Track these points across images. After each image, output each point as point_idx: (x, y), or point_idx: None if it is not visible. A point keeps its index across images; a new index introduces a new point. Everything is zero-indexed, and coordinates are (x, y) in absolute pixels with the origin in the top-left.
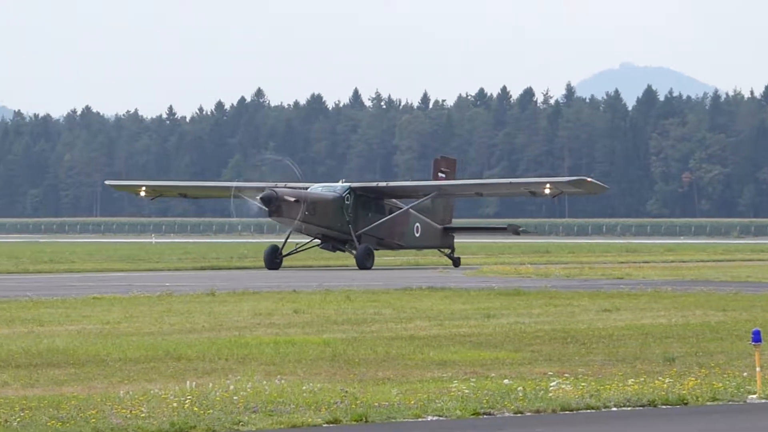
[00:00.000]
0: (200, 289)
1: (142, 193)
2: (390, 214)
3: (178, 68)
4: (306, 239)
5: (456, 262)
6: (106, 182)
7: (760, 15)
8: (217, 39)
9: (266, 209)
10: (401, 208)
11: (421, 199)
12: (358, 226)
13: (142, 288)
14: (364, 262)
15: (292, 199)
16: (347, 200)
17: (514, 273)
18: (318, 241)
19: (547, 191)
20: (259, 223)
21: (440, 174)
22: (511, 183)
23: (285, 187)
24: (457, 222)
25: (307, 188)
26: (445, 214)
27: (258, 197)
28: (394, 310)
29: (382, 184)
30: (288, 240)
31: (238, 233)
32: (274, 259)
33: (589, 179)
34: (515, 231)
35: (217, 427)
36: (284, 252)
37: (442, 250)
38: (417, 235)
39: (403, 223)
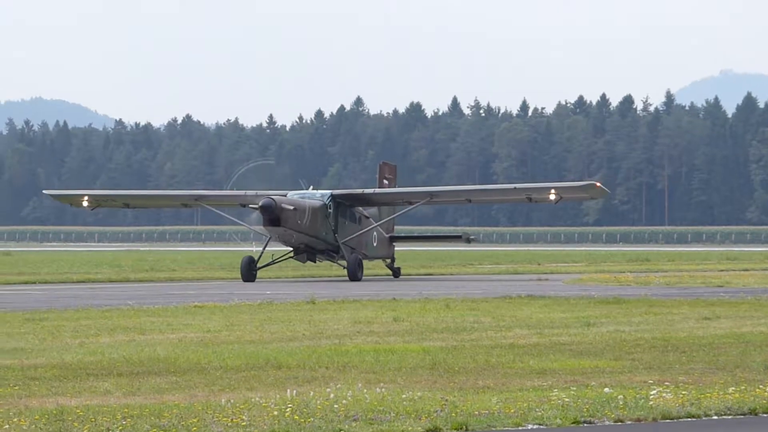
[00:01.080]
0: (300, 297)
1: (85, 203)
2: (360, 223)
3: (278, 78)
4: (281, 249)
5: (396, 273)
6: (45, 192)
7: None
8: (316, 48)
9: (263, 217)
10: (367, 217)
11: (412, 206)
12: (340, 236)
13: (243, 296)
14: (356, 273)
15: (291, 208)
16: (329, 208)
17: (614, 281)
18: (288, 250)
19: (552, 197)
20: None
21: (384, 180)
22: (515, 188)
23: (256, 195)
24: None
25: (285, 195)
26: (389, 223)
27: (252, 205)
28: (494, 318)
29: (369, 190)
30: (264, 251)
31: None
32: (250, 270)
33: (598, 184)
34: (467, 239)
35: None
36: (260, 264)
37: (385, 259)
38: (374, 245)
39: (368, 233)
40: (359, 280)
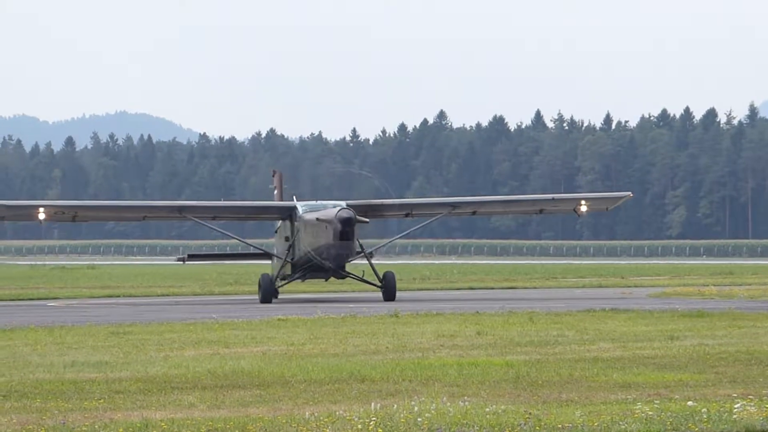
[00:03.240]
0: (383, 311)
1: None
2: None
3: (361, 91)
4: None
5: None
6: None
7: None
8: (398, 62)
9: (336, 231)
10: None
11: (433, 218)
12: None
13: (327, 309)
14: (394, 292)
15: (366, 221)
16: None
17: (698, 295)
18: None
19: (584, 208)
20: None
21: (276, 190)
22: (534, 200)
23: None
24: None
25: (294, 206)
26: None
27: (322, 216)
28: (577, 332)
29: (388, 202)
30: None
31: None
32: (272, 288)
33: (630, 194)
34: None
35: None
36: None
37: None
38: None
39: None
40: (393, 300)
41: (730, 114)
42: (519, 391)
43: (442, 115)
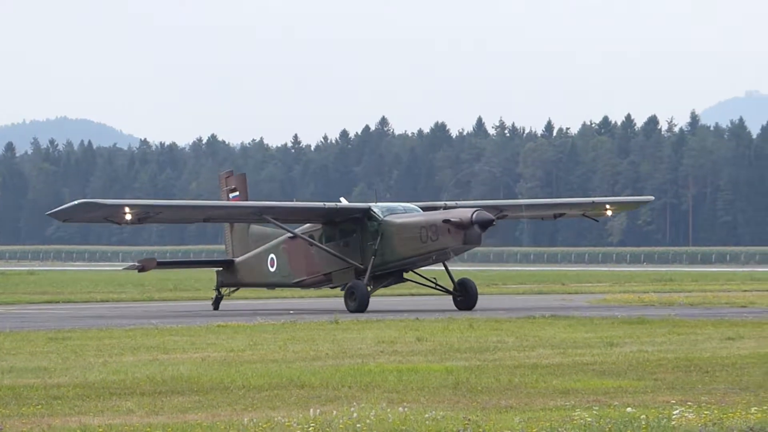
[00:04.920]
0: (324, 317)
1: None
2: None
3: (302, 97)
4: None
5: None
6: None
7: None
8: (341, 68)
9: (473, 234)
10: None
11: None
12: None
13: (267, 316)
14: (474, 301)
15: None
16: None
17: (638, 301)
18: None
19: (609, 213)
20: None
21: (233, 193)
22: (593, 203)
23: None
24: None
25: (369, 207)
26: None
27: (454, 218)
28: (517, 338)
29: (451, 202)
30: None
31: None
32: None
33: (652, 198)
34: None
35: None
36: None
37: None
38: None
39: None
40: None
41: (671, 121)
42: (458, 397)
43: (384, 121)
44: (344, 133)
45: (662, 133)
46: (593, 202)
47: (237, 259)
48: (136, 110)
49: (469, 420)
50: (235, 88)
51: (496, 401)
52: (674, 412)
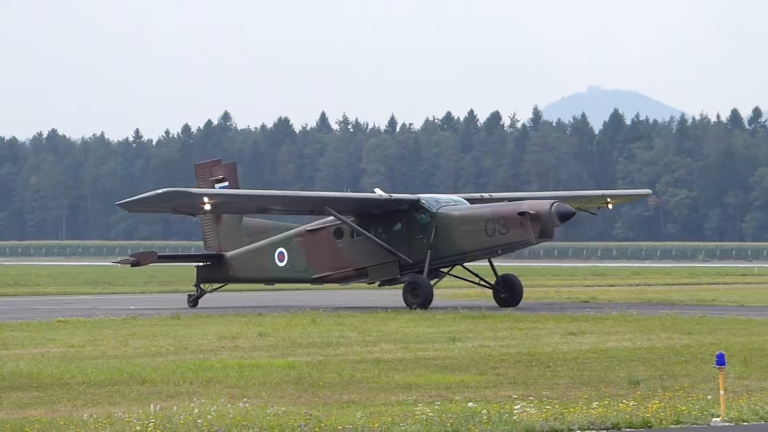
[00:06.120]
0: (165, 313)
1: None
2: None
3: (145, 92)
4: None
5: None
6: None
7: (727, 40)
8: (183, 62)
9: (558, 225)
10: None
11: None
12: None
13: (107, 311)
14: (519, 297)
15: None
16: None
17: (482, 296)
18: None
19: (610, 206)
20: None
21: (220, 184)
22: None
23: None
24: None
25: (418, 199)
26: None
27: (531, 210)
28: (360, 333)
29: (486, 195)
30: None
31: None
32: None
33: (650, 192)
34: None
35: None
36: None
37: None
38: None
39: None
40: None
41: (514, 117)
42: (300, 393)
43: (226, 116)
44: (186, 128)
45: (505, 128)
46: (604, 194)
47: (228, 254)
48: None
49: (311, 415)
50: (76, 83)
51: (338, 396)
52: (516, 407)
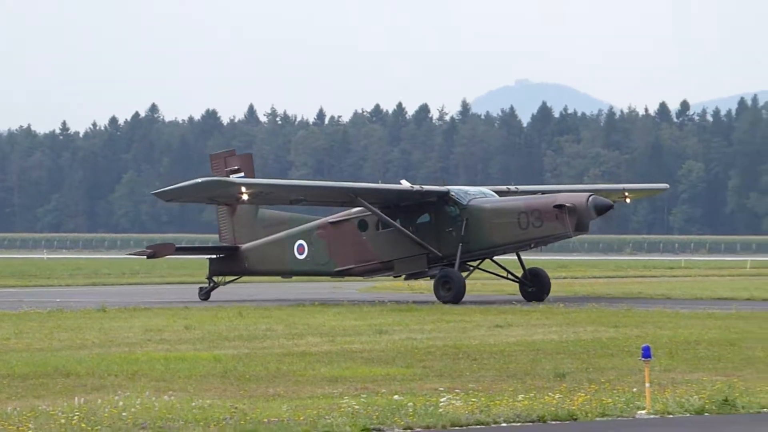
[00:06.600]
0: (91, 305)
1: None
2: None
3: (70, 83)
4: None
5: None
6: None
7: (655, 34)
8: (110, 54)
9: (594, 218)
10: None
11: None
12: None
13: (33, 304)
14: (547, 291)
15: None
16: None
17: (408, 289)
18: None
19: (628, 200)
20: None
21: (235, 174)
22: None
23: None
24: None
25: (448, 191)
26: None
27: (568, 203)
28: (286, 326)
29: (513, 187)
30: None
31: None
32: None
33: (667, 186)
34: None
35: None
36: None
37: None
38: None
39: None
40: None
41: (442, 110)
42: (226, 386)
43: (154, 108)
44: (113, 120)
45: (433, 121)
46: (623, 189)
47: (244, 246)
48: None
49: (236, 408)
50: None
51: (263, 389)
52: (442, 400)
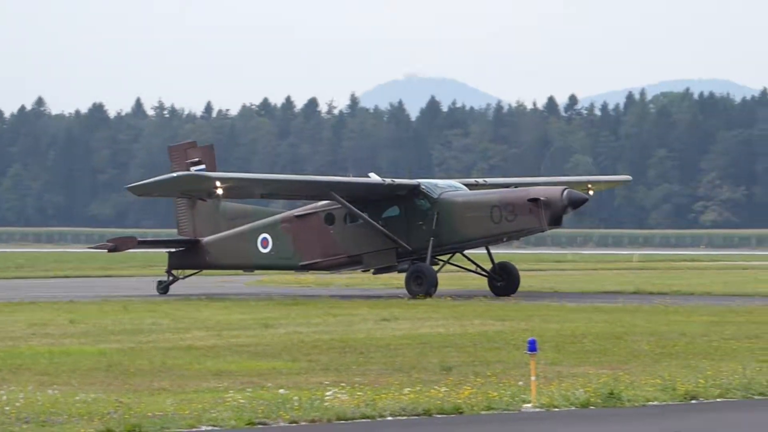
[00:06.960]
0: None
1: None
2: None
3: None
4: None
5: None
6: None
7: (545, 28)
8: None
9: (569, 212)
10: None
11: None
12: None
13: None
14: (516, 286)
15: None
16: None
17: (295, 282)
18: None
19: (591, 192)
20: None
21: (197, 167)
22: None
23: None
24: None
25: (418, 184)
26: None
27: (544, 195)
28: (172, 320)
29: (481, 180)
30: None
31: None
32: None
33: (630, 179)
34: None
35: None
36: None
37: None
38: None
39: None
40: None
41: (331, 104)
42: (111, 380)
43: (40, 101)
44: None
45: (322, 115)
46: (587, 181)
47: (205, 239)
48: None
49: (121, 402)
50: None
51: (148, 383)
52: (327, 393)
